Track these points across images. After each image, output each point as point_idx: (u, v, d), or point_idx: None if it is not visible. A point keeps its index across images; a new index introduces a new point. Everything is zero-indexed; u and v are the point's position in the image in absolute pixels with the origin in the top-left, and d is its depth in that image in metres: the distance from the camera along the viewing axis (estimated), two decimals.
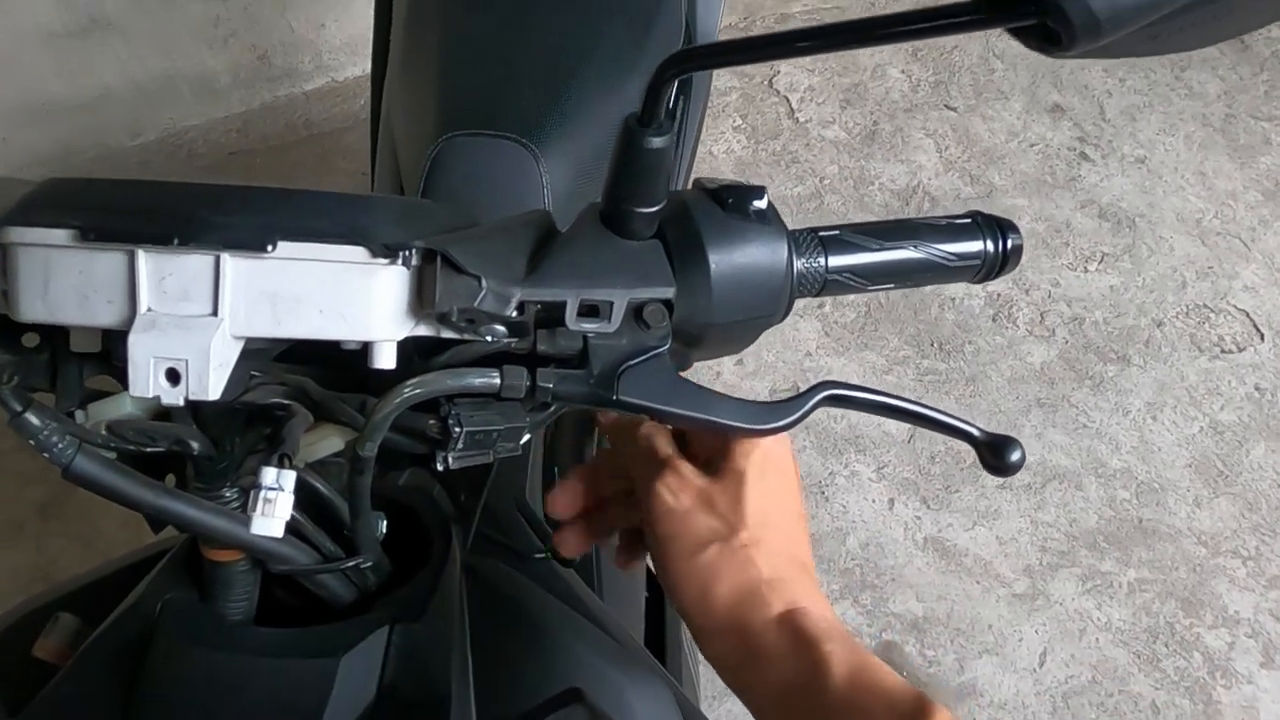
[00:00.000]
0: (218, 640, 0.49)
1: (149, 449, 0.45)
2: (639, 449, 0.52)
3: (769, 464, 0.51)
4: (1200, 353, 1.97)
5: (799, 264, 0.46)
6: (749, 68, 2.44)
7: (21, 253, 0.37)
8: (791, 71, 2.44)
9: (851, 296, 2.02)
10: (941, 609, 1.64)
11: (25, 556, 1.63)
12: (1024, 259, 1.88)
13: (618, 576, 0.80)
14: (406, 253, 0.38)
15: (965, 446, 1.79)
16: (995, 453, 0.48)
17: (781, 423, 0.46)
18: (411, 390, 0.41)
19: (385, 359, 0.41)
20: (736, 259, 0.43)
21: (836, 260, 0.47)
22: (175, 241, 0.36)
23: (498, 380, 0.41)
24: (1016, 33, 0.33)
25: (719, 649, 0.48)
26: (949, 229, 0.50)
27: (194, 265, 0.37)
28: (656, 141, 0.40)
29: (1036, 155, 2.29)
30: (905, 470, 1.78)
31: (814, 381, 0.50)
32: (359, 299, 0.38)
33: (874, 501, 1.75)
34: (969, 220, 0.51)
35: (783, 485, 0.52)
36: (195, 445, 0.44)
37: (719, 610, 0.47)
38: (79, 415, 0.46)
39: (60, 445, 0.40)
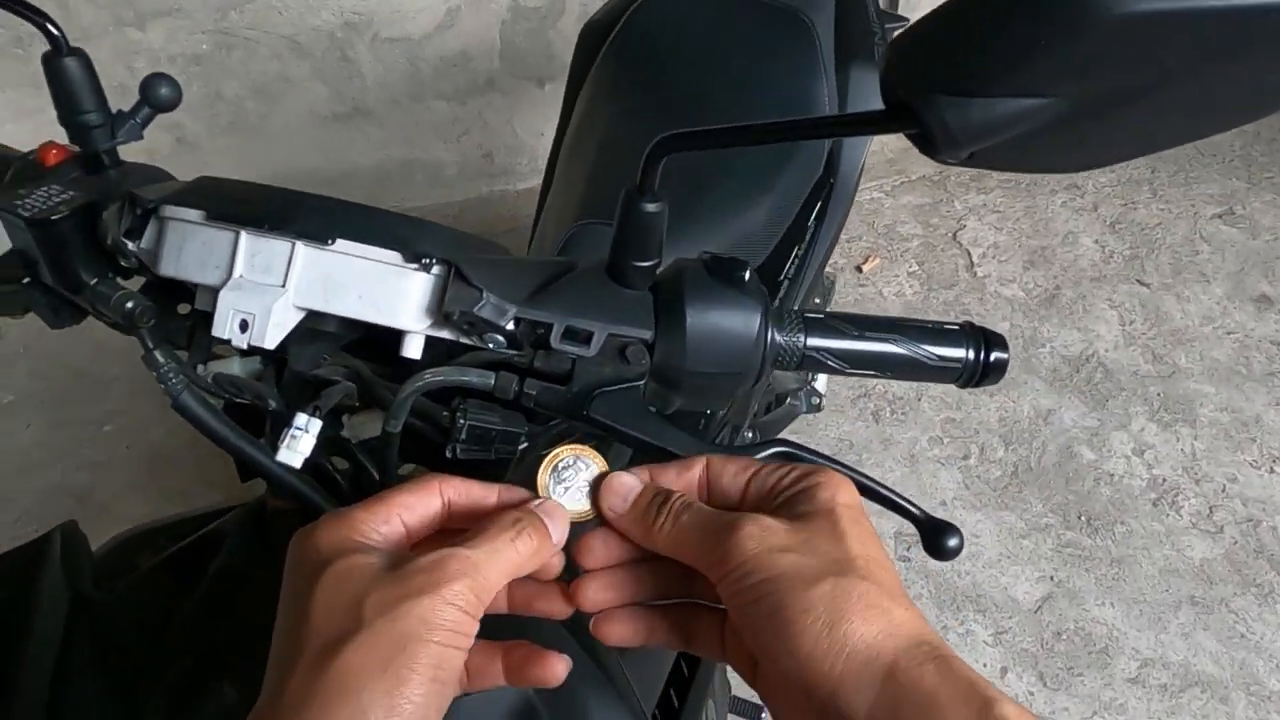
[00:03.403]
0: (266, 566, 0.59)
1: (238, 399, 0.57)
2: (689, 521, 0.44)
3: (855, 512, 0.43)
4: None
5: (779, 337, 0.52)
6: (935, 220, 2.48)
7: (170, 225, 0.51)
8: (978, 227, 2.46)
9: (999, 453, 1.97)
10: None
11: None
12: (1200, 448, 1.81)
13: None
14: (428, 261, 0.48)
15: (1098, 630, 1.70)
16: (935, 535, 0.50)
17: None
18: (430, 378, 0.51)
19: (412, 349, 0.51)
20: (711, 317, 0.50)
21: (816, 340, 0.53)
22: (266, 227, 0.48)
23: (492, 380, 0.50)
24: (912, 139, 0.39)
25: (866, 701, 0.37)
26: (936, 331, 0.54)
27: (277, 247, 0.49)
28: (650, 208, 0.49)
29: (1233, 344, 2.17)
30: (1025, 640, 1.69)
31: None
32: (391, 293, 0.49)
33: (985, 666, 1.66)
34: (957, 327, 0.55)
35: (873, 538, 0.43)
36: (272, 402, 0.56)
37: (855, 651, 0.37)
38: (200, 369, 0.59)
39: (173, 380, 0.53)
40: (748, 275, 0.51)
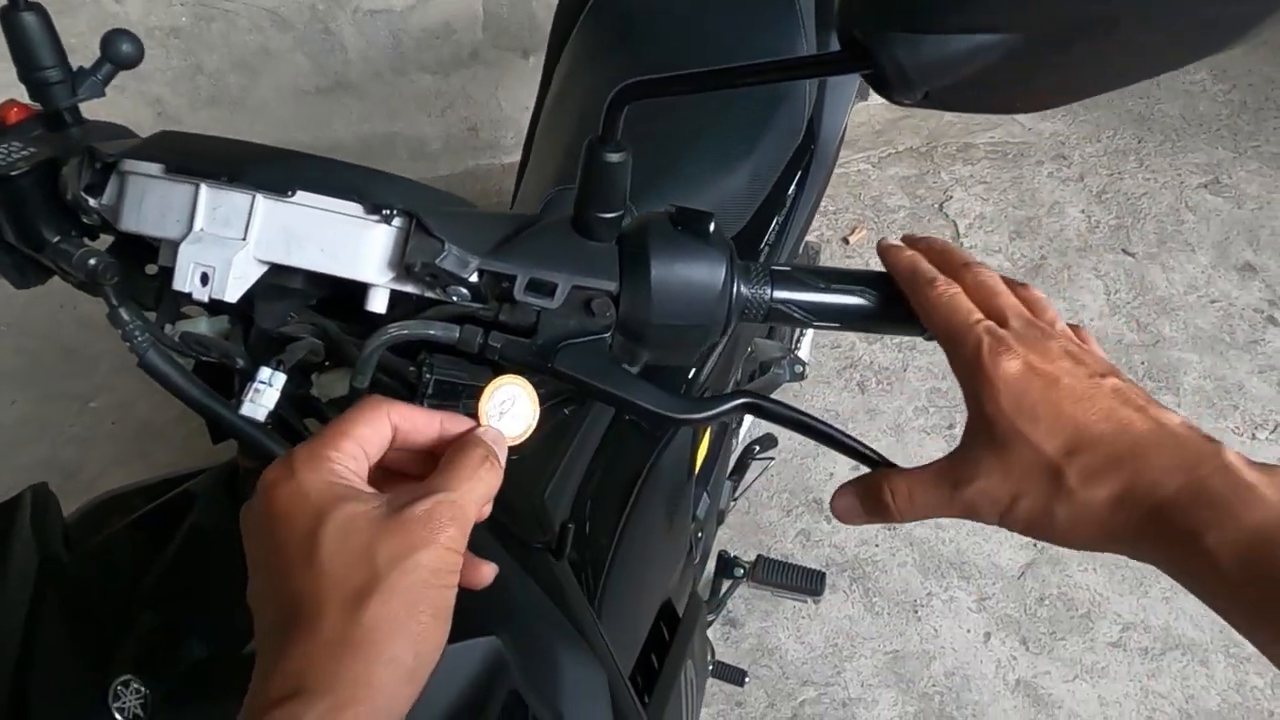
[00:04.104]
0: (237, 525, 0.59)
1: (205, 358, 0.57)
2: (920, 509, 0.48)
3: (1013, 410, 0.44)
4: None
5: (745, 290, 0.52)
6: (922, 191, 2.48)
7: (130, 179, 0.51)
8: (965, 198, 2.46)
9: None
10: None
11: None
12: (1183, 415, 1.85)
13: (621, 601, 0.85)
14: (389, 212, 0.48)
15: (1080, 595, 1.71)
16: None
17: (696, 416, 0.52)
18: (394, 331, 0.51)
19: (376, 304, 0.51)
20: (676, 268, 0.50)
21: (782, 293, 0.53)
22: (225, 179, 0.48)
23: (456, 333, 0.50)
24: (868, 79, 0.39)
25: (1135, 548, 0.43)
26: None
27: (237, 200, 0.48)
28: (613, 157, 0.49)
29: (1217, 312, 2.18)
30: (1009, 606, 1.70)
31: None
32: (351, 245, 0.48)
33: (969, 631, 1.68)
34: None
35: (1055, 407, 0.43)
36: (239, 361, 0.56)
37: (1111, 536, 0.42)
38: (168, 328, 0.59)
39: (139, 339, 0.53)
40: (712, 227, 0.51)
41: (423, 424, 0.47)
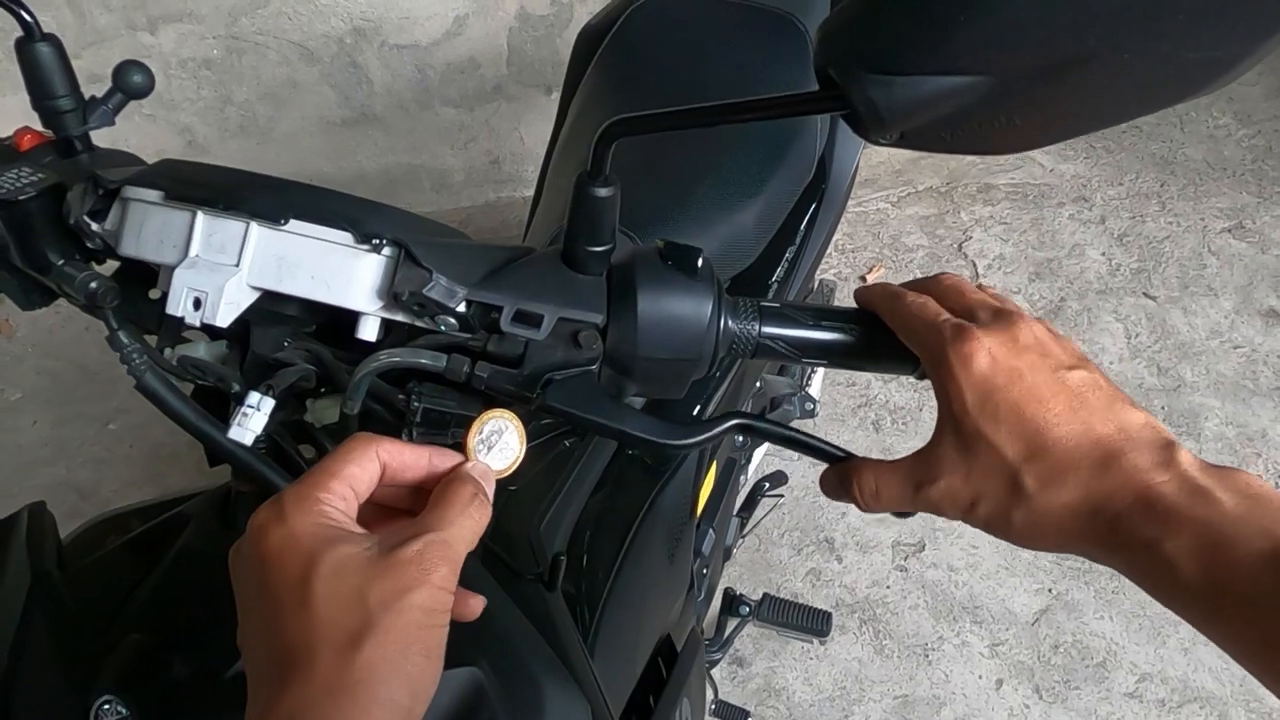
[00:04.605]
0: (228, 548, 0.60)
1: (201, 381, 0.57)
2: (885, 502, 0.50)
3: (975, 414, 0.44)
4: None
5: (733, 325, 0.53)
6: (941, 231, 2.48)
7: (130, 205, 0.52)
8: (984, 238, 2.45)
9: None
10: None
11: None
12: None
13: (616, 635, 0.85)
14: (378, 241, 0.49)
15: (1096, 643, 1.69)
16: None
17: (688, 441, 0.52)
18: (384, 358, 0.51)
19: (367, 332, 0.52)
20: (662, 303, 0.51)
21: (770, 329, 0.53)
22: (221, 207, 0.49)
23: (444, 362, 0.51)
24: (845, 119, 0.40)
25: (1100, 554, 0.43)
26: None
27: (232, 227, 0.49)
28: (601, 192, 0.49)
29: (1240, 358, 2.15)
30: (1022, 653, 1.67)
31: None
32: (342, 273, 0.49)
33: (980, 677, 1.65)
34: None
35: (1016, 408, 0.43)
36: (234, 385, 0.57)
37: (1062, 540, 0.43)
38: (168, 352, 0.60)
39: (137, 361, 0.54)
40: (700, 262, 0.52)
41: (411, 460, 0.47)
